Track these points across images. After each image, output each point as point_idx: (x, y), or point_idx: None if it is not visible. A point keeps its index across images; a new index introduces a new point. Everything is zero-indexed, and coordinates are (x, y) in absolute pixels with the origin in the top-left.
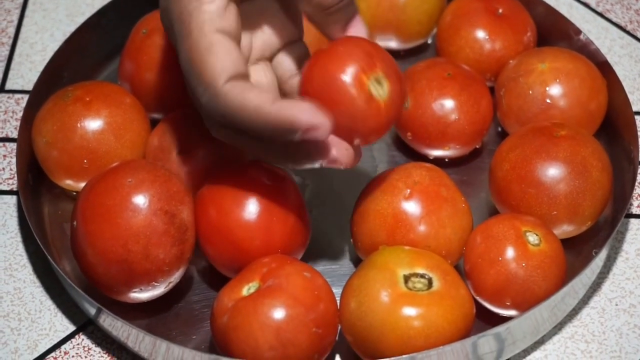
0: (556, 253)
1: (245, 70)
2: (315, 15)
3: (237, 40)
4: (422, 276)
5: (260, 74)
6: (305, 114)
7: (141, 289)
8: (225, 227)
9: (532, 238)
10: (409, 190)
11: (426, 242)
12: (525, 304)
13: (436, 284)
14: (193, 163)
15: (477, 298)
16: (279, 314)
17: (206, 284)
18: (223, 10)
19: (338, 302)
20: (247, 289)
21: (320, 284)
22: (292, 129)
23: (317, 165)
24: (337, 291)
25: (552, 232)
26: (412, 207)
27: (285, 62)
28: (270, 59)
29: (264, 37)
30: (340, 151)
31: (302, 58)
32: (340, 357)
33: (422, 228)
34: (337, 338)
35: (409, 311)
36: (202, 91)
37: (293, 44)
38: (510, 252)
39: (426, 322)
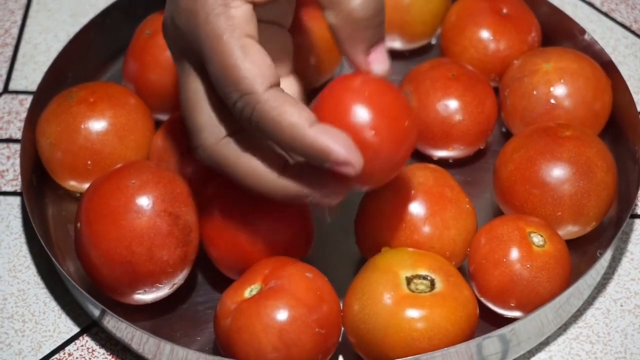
0: (561, 254)
1: (279, 79)
2: (340, 28)
3: None
4: (425, 278)
5: (285, 84)
6: (343, 148)
7: (145, 291)
8: (229, 228)
9: (537, 239)
10: (413, 191)
11: (430, 243)
12: (529, 305)
13: (439, 286)
14: (197, 164)
15: (482, 299)
16: (281, 315)
17: (210, 285)
18: (250, 17)
19: (342, 302)
20: (250, 291)
21: (322, 284)
22: (326, 159)
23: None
24: (341, 292)
25: (556, 233)
26: (416, 208)
27: None
28: None
29: None
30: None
31: (295, 93)
32: (344, 358)
33: (426, 229)
34: (340, 339)
35: (412, 313)
36: (238, 97)
37: (285, 77)
38: (514, 253)
39: (429, 324)
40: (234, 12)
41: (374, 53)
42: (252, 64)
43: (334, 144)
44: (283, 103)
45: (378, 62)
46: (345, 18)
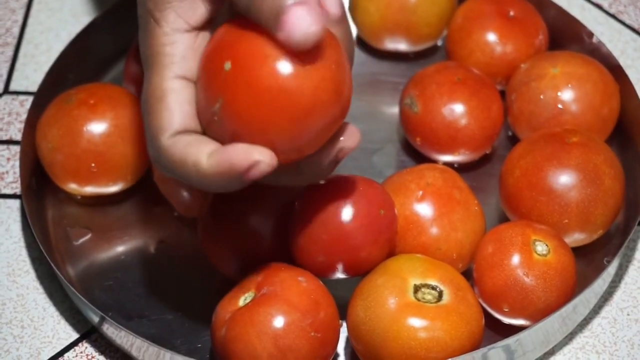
0: (563, 266)
1: (196, 126)
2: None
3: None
4: (434, 288)
5: None
6: (241, 154)
7: None
8: (225, 229)
9: (541, 248)
10: (421, 192)
11: (437, 244)
12: (523, 313)
13: (446, 298)
14: None
15: (480, 301)
16: (275, 321)
17: (212, 292)
18: (187, 52)
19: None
20: (244, 299)
21: (316, 287)
22: (234, 175)
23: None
24: (347, 295)
25: (565, 244)
26: (424, 209)
27: None
28: None
29: None
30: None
31: None
32: None
33: (433, 230)
34: (343, 343)
35: (414, 322)
36: (149, 142)
37: None
38: (514, 259)
39: (429, 335)
40: (169, 49)
41: (288, 20)
42: (164, 109)
43: (230, 158)
44: (186, 145)
45: (296, 27)
46: (245, 8)
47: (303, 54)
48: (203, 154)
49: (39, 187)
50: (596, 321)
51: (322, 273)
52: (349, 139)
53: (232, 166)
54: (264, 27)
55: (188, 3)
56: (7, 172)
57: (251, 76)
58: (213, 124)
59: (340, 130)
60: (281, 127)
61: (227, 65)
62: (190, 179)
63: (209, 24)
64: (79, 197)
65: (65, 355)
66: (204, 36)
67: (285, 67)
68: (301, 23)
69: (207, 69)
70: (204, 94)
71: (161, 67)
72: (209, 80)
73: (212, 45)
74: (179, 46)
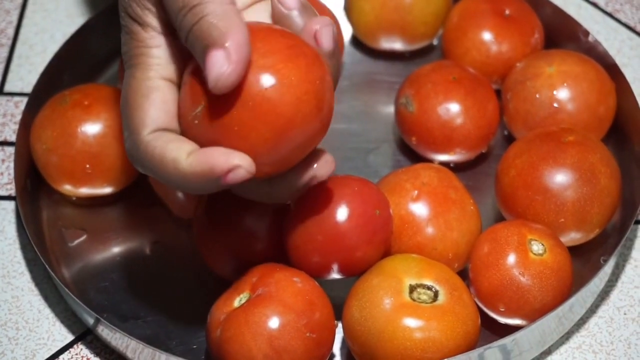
0: (559, 266)
1: (176, 127)
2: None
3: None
4: (429, 288)
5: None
6: (221, 156)
7: None
8: (220, 230)
9: (537, 247)
10: (416, 192)
11: (433, 244)
12: (520, 312)
13: (442, 298)
14: None
15: (476, 301)
16: (270, 322)
17: (207, 293)
18: (175, 55)
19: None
20: (239, 300)
21: (311, 288)
22: (213, 177)
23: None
24: (342, 295)
25: (561, 244)
26: (419, 209)
27: None
28: None
29: None
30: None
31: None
32: None
33: (429, 230)
34: (339, 344)
35: (409, 322)
36: (127, 136)
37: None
38: (509, 258)
39: (425, 336)
40: (155, 51)
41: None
42: (148, 105)
43: (211, 159)
44: (166, 142)
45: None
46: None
47: (288, 67)
48: (183, 152)
49: (33, 188)
50: (593, 320)
51: (317, 273)
52: (323, 167)
53: (212, 168)
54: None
55: None
56: (1, 173)
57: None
58: (193, 128)
59: (315, 157)
60: (261, 135)
61: None
62: (167, 176)
63: None
64: (74, 198)
65: (61, 357)
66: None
67: (269, 77)
68: (215, 67)
69: (194, 72)
70: (188, 95)
71: (146, 67)
72: (195, 82)
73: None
74: (165, 49)
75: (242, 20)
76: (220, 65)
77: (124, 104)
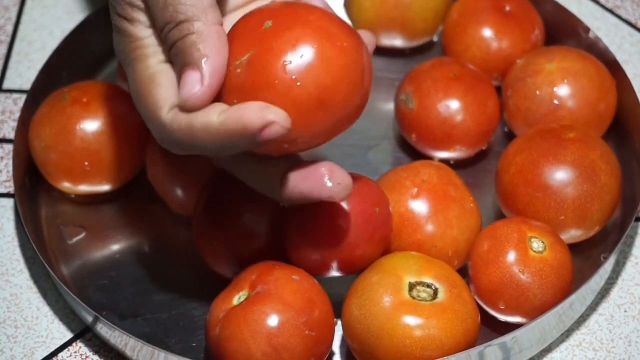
0: (559, 263)
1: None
2: None
3: None
4: (429, 286)
5: None
6: (256, 111)
7: None
8: (219, 228)
9: (537, 244)
10: (416, 189)
11: (433, 242)
12: (519, 310)
13: (441, 296)
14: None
15: (476, 298)
16: (269, 320)
17: (206, 291)
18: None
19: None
20: (238, 298)
21: (310, 286)
22: (247, 134)
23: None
24: (342, 293)
25: (561, 241)
26: (419, 207)
27: None
28: None
29: None
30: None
31: None
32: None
33: (429, 228)
34: (339, 342)
35: (409, 320)
36: (151, 127)
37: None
38: (509, 255)
39: (424, 333)
40: (147, 42)
41: None
42: (158, 88)
43: (244, 116)
44: (188, 115)
45: None
46: None
47: (343, 36)
48: (213, 114)
49: (32, 185)
50: (593, 318)
51: (316, 271)
52: (341, 191)
53: (245, 124)
54: None
55: None
56: (0, 170)
57: (291, 34)
58: (234, 78)
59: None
60: (305, 91)
61: (268, 23)
62: (199, 143)
63: None
64: (73, 196)
65: (59, 355)
66: None
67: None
68: (187, 87)
69: (245, 24)
70: (232, 47)
71: (144, 57)
72: (245, 34)
73: (253, 11)
74: (156, 37)
75: (224, 44)
76: (192, 87)
77: (134, 98)
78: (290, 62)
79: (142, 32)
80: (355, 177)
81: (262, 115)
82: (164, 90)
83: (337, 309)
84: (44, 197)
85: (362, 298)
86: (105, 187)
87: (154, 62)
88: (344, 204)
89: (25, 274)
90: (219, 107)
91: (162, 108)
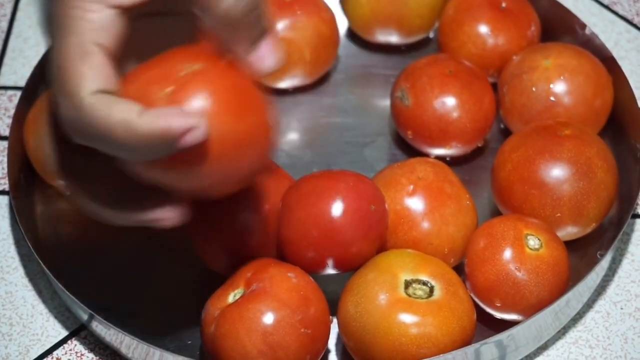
0: (556, 261)
1: (116, 90)
2: (220, 31)
3: (116, 60)
4: (424, 283)
5: None
6: (179, 117)
7: None
8: (216, 225)
9: (533, 242)
10: (412, 186)
11: (429, 239)
12: (516, 307)
13: (437, 294)
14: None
15: (472, 296)
16: (264, 317)
17: (201, 288)
18: (108, 24)
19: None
20: (233, 296)
21: (306, 283)
22: (168, 137)
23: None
24: (337, 290)
25: (558, 238)
26: (415, 204)
27: None
28: None
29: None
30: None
31: None
32: (337, 359)
33: (425, 225)
34: (334, 339)
35: (404, 318)
36: (63, 100)
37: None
38: (505, 253)
39: (420, 331)
40: (90, 16)
41: (260, 50)
42: (87, 68)
43: (168, 118)
44: (110, 103)
45: (266, 59)
46: (220, 20)
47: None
48: (133, 112)
49: (27, 183)
50: (589, 315)
51: (312, 269)
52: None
53: (169, 128)
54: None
55: None
56: None
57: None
58: (156, 102)
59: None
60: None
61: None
62: (113, 140)
63: (133, 11)
64: (68, 193)
65: (54, 353)
66: (124, 20)
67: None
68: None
69: (173, 54)
70: (161, 73)
71: (80, 32)
72: (171, 64)
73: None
74: (99, 15)
75: None
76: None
77: (56, 68)
78: None
79: (88, 4)
80: (350, 175)
81: (186, 119)
82: (94, 72)
83: (333, 306)
84: (39, 194)
85: (358, 296)
86: None
87: (90, 41)
88: (340, 202)
89: (20, 271)
90: (137, 107)
91: (87, 88)
